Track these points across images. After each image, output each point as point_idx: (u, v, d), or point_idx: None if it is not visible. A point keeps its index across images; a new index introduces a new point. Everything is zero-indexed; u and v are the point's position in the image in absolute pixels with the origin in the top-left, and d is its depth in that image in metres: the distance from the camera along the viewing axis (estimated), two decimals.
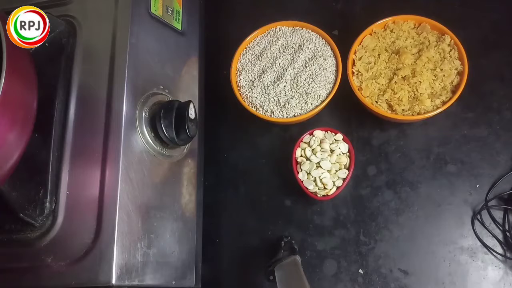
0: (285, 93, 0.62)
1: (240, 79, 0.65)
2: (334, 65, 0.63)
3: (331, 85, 0.62)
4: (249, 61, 0.66)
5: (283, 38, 0.66)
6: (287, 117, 0.62)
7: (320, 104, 0.61)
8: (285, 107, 0.62)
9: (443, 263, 0.59)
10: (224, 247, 0.65)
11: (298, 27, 0.66)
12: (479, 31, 0.67)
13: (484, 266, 0.58)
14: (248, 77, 0.65)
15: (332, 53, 0.64)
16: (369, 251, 0.61)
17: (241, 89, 0.65)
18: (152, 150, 0.54)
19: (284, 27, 0.67)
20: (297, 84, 0.62)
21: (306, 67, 0.63)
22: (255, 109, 0.63)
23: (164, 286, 0.53)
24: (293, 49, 0.65)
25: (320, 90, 0.62)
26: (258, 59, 0.65)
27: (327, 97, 0.62)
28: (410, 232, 0.61)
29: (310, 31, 0.66)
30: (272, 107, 0.62)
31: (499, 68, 0.65)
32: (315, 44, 0.65)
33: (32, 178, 0.51)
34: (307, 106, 0.62)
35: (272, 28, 0.67)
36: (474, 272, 0.58)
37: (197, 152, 0.62)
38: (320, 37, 0.65)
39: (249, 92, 0.64)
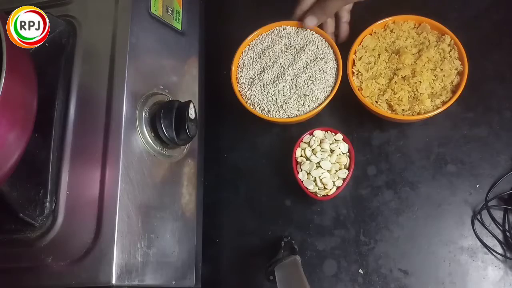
0: (283, 93, 0.62)
1: (241, 76, 0.65)
2: (335, 69, 0.63)
3: (330, 89, 0.62)
4: (250, 58, 0.65)
5: (287, 38, 0.65)
6: (283, 117, 0.62)
7: (317, 106, 0.61)
8: (282, 107, 0.62)
9: (443, 263, 0.59)
10: (224, 247, 0.65)
11: (302, 28, 0.66)
12: (479, 31, 0.67)
13: (484, 266, 0.58)
14: (249, 75, 0.64)
15: (333, 56, 0.64)
16: (369, 251, 0.61)
17: (241, 86, 0.64)
18: (152, 150, 0.54)
19: (289, 26, 0.66)
20: (296, 85, 0.62)
21: (306, 68, 0.63)
22: (252, 107, 0.63)
23: (164, 286, 0.53)
24: (295, 50, 0.65)
25: (319, 92, 0.62)
26: (260, 57, 0.65)
27: (324, 100, 0.61)
28: (410, 232, 0.61)
29: (313, 32, 0.65)
30: (269, 106, 0.62)
31: (499, 68, 0.65)
32: (317, 46, 0.64)
33: (32, 178, 0.51)
34: (304, 107, 0.62)
35: (277, 27, 0.67)
36: (474, 272, 0.58)
37: (197, 152, 0.62)
38: (323, 39, 0.65)
39: (248, 89, 0.64)
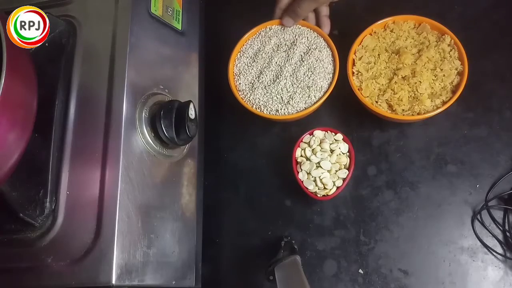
0: (287, 90, 0.62)
1: (240, 83, 0.65)
2: (330, 56, 0.64)
3: (331, 75, 0.63)
4: (244, 64, 0.66)
5: (275, 37, 0.66)
6: (292, 112, 0.62)
7: (323, 95, 0.62)
8: (289, 103, 0.62)
9: (443, 263, 0.59)
10: (224, 247, 0.65)
11: None
12: (479, 31, 0.67)
13: (484, 266, 0.58)
14: (247, 80, 0.64)
15: (326, 44, 0.64)
16: (369, 251, 0.61)
17: (242, 93, 0.64)
18: (152, 150, 0.54)
19: (274, 26, 0.67)
20: (297, 79, 0.62)
21: (303, 61, 0.63)
22: (259, 110, 0.63)
23: (164, 286, 0.53)
24: (286, 46, 0.65)
25: (321, 81, 0.62)
26: (254, 61, 0.65)
27: (329, 87, 0.62)
28: (410, 232, 0.61)
29: (300, 26, 0.66)
30: (276, 105, 0.62)
31: (499, 68, 0.65)
32: (307, 38, 0.65)
33: (32, 178, 0.51)
34: (311, 99, 0.62)
35: (263, 29, 0.67)
36: (474, 272, 0.58)
37: (197, 152, 0.62)
38: (311, 30, 0.66)
39: (250, 94, 0.64)
